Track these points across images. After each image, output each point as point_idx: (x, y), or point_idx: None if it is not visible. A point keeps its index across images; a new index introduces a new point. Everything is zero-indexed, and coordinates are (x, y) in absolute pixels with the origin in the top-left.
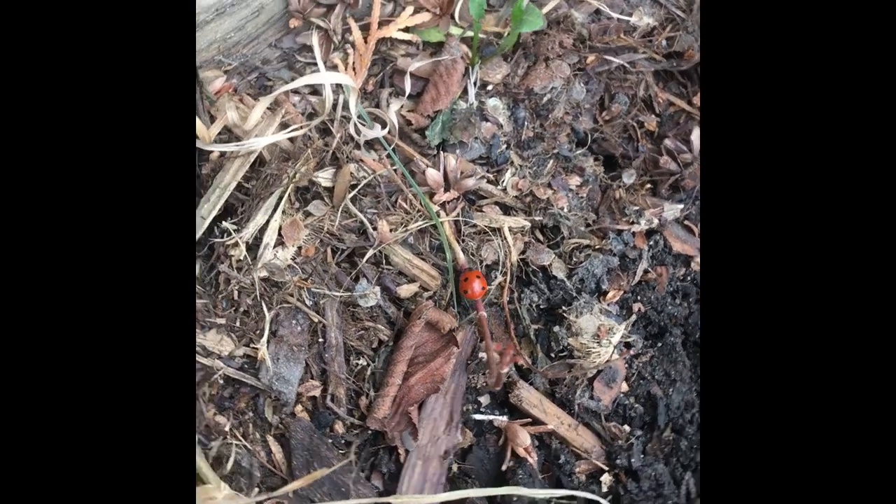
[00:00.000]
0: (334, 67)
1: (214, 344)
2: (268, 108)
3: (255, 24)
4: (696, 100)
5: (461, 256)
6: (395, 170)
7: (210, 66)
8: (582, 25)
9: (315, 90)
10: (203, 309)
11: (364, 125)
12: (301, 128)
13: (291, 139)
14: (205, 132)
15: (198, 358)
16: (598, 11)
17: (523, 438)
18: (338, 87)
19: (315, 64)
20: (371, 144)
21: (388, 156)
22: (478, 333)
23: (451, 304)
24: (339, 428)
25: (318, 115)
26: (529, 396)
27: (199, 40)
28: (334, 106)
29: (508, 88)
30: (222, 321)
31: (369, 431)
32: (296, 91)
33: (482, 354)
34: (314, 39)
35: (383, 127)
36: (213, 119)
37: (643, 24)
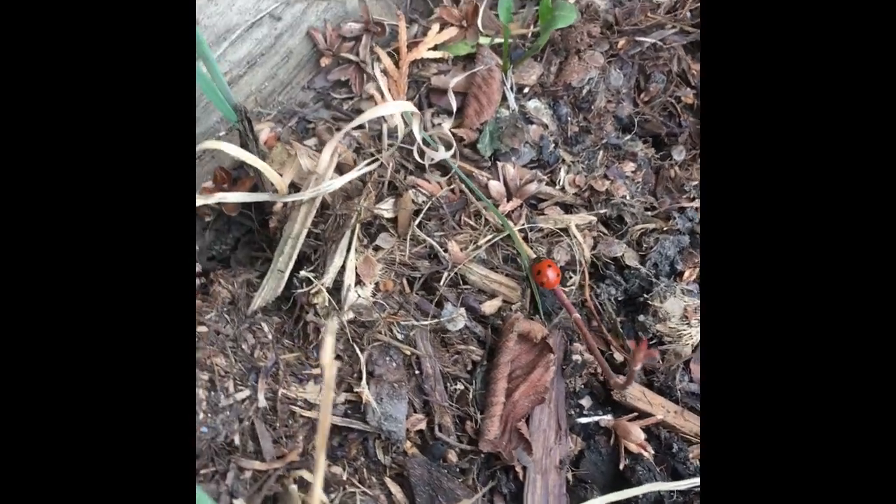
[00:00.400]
0: (370, 98)
1: (315, 395)
2: (315, 150)
3: (286, 70)
4: None
5: None
6: (452, 189)
7: (248, 115)
8: (606, 12)
9: (352, 120)
10: (296, 363)
11: (430, 147)
12: (373, 161)
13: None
14: (280, 183)
15: (301, 412)
16: None
17: (636, 434)
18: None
19: (352, 98)
20: (422, 168)
21: (455, 174)
22: (566, 337)
23: (537, 312)
24: (453, 456)
25: (364, 147)
26: (632, 390)
27: (235, 94)
28: (379, 136)
29: (545, 88)
30: (317, 371)
31: (482, 455)
32: (337, 128)
33: (576, 357)
34: (375, 71)
35: (448, 148)
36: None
37: None
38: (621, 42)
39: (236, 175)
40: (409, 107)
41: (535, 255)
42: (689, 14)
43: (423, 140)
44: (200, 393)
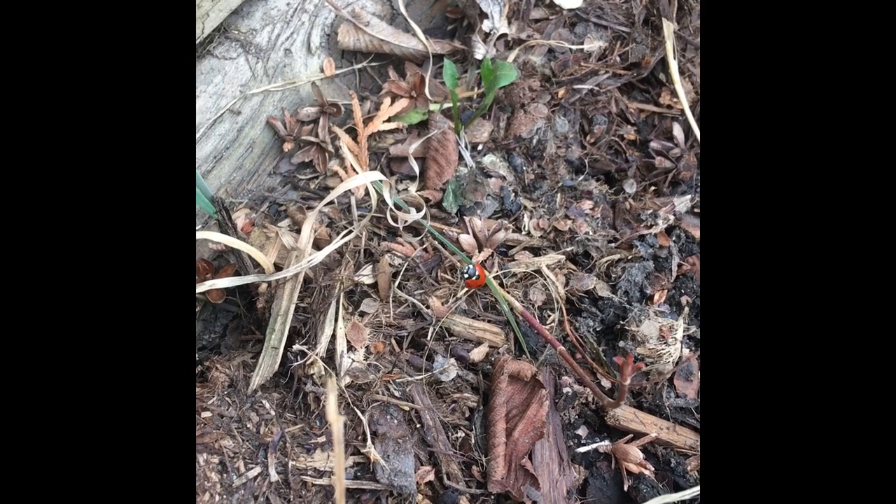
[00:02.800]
0: (335, 175)
1: (323, 463)
2: (289, 229)
3: (251, 160)
4: (663, 98)
5: (518, 305)
6: (425, 248)
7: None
8: (542, 66)
9: (321, 198)
10: (301, 433)
11: (402, 211)
12: (349, 232)
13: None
14: (266, 263)
15: (312, 480)
16: (551, 50)
17: (635, 454)
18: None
19: (317, 177)
20: (394, 232)
21: (429, 233)
22: (554, 372)
23: (523, 352)
24: (465, 502)
25: (336, 221)
26: (624, 413)
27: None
28: (349, 208)
29: (498, 142)
30: (322, 439)
31: (492, 496)
32: (308, 207)
33: (566, 389)
34: (343, 145)
35: (419, 210)
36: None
37: (596, 48)
38: (561, 92)
39: (217, 265)
40: (379, 175)
41: (465, 270)
42: (618, 59)
43: (395, 204)
44: (213, 476)
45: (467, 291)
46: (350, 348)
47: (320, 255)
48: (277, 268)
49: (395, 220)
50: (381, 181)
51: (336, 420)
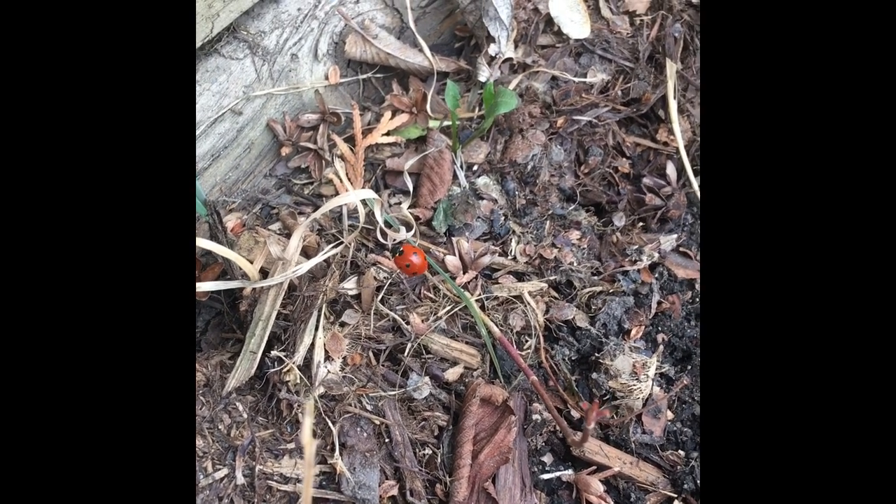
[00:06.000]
0: (330, 182)
1: (290, 469)
2: (279, 233)
3: (248, 160)
4: (660, 135)
5: (496, 330)
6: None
7: (217, 208)
8: (544, 94)
9: (316, 206)
10: (271, 439)
11: (392, 229)
12: (338, 244)
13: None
14: (251, 271)
15: (278, 486)
16: (554, 78)
17: (595, 487)
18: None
19: (312, 183)
20: (382, 246)
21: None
22: (526, 398)
23: (497, 377)
24: None
25: (326, 229)
26: (590, 444)
27: (201, 186)
28: (340, 217)
29: (493, 165)
30: (292, 446)
31: None
32: (300, 212)
33: (536, 416)
34: (335, 161)
35: (409, 228)
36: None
37: (598, 80)
38: (560, 121)
39: (205, 261)
40: (371, 194)
41: (395, 247)
42: (619, 93)
43: (385, 221)
44: None
45: (448, 311)
46: (327, 358)
47: (306, 267)
48: (264, 273)
49: (385, 236)
50: (373, 199)
51: (309, 443)
